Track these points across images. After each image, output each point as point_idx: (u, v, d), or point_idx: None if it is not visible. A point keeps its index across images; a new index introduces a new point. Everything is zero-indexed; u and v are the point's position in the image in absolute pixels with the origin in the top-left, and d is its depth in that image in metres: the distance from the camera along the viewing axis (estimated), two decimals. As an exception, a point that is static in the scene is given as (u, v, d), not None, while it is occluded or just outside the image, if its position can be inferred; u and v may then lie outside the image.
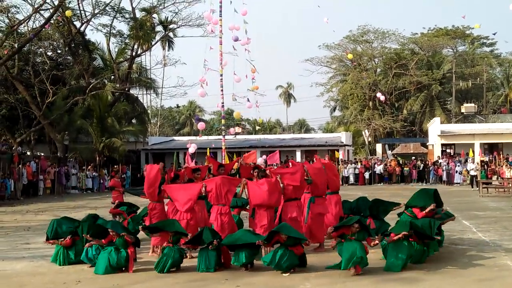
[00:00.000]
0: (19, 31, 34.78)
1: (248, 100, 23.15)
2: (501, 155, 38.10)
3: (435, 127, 47.00)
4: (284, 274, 9.78)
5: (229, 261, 10.42)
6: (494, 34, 36.72)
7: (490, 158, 38.29)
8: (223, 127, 23.94)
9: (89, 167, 35.97)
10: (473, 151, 40.55)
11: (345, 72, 66.11)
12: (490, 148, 43.97)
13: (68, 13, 32.18)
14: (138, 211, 13.94)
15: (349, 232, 10.01)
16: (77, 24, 39.27)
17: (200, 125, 24.02)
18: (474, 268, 10.33)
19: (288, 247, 9.92)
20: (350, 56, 49.11)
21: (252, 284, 9.45)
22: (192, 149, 21.42)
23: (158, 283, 9.61)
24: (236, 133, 45.50)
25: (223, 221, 11.24)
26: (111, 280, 9.77)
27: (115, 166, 35.77)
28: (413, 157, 43.86)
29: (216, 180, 11.63)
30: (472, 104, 56.69)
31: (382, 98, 36.33)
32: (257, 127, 68.58)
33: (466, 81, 60.50)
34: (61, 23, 38.31)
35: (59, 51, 42.08)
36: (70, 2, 35.72)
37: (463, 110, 56.24)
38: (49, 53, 40.60)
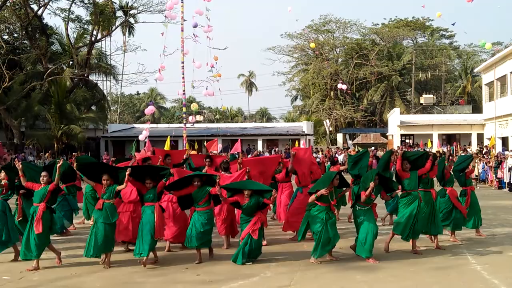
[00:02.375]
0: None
1: (207, 88, 23.08)
2: (459, 146, 38.90)
3: (394, 118, 47.65)
4: (246, 264, 9.89)
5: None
6: (453, 24, 37.17)
7: (448, 149, 39.03)
8: (184, 115, 23.86)
9: (47, 154, 35.35)
10: (432, 142, 41.23)
11: (307, 61, 66.41)
12: (448, 139, 44.88)
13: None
14: None
15: (327, 193, 10.04)
16: (35, 7, 38.48)
17: (148, 110, 23.62)
18: (431, 257, 10.58)
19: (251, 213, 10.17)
20: (313, 45, 49.45)
21: (213, 272, 9.49)
22: (142, 136, 21.29)
23: (117, 272, 9.58)
24: (196, 121, 45.31)
25: (174, 209, 11.06)
26: (69, 270, 9.69)
27: (74, 154, 35.27)
28: (373, 147, 44.46)
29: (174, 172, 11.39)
30: (431, 95, 57.62)
31: (344, 87, 36.65)
32: (218, 116, 68.68)
33: (426, 72, 61.61)
34: (17, 6, 37.47)
35: (15, 35, 41.28)
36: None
37: (422, 101, 57.10)
38: (5, 37, 39.73)
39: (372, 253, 10.00)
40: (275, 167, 12.70)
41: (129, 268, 9.78)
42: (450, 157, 15.02)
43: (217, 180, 9.98)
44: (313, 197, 10.12)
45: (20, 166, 10.09)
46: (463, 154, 27.34)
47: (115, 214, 9.98)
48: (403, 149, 39.26)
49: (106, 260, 9.89)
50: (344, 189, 11.04)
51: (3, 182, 10.50)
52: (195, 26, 21.38)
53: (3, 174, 10.58)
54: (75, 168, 10.50)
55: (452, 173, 12.64)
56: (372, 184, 9.97)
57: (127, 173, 9.71)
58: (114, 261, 10.05)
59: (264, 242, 11.00)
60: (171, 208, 10.99)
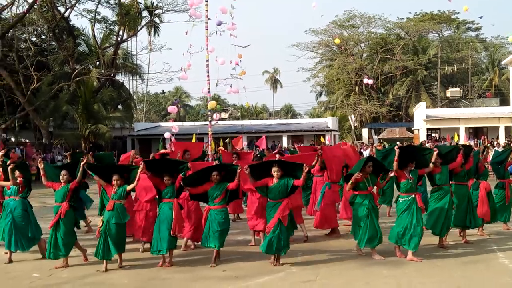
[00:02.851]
0: (2, 16, 34.38)
1: (231, 86, 23.10)
2: (486, 139, 38.42)
3: (420, 112, 47.23)
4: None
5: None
6: (480, 17, 37.10)
7: (475, 142, 38.56)
8: (209, 113, 23.92)
9: (67, 154, 35.65)
10: (458, 136, 40.77)
11: (331, 57, 66.15)
12: (475, 132, 44.35)
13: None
14: None
15: (362, 178, 9.85)
16: (62, 9, 38.92)
17: (171, 109, 23.78)
18: (458, 251, 10.48)
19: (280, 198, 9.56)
20: (337, 41, 49.09)
21: (239, 268, 9.50)
22: (167, 134, 21.40)
23: (143, 268, 9.63)
24: (221, 119, 45.46)
25: (189, 206, 10.87)
26: (96, 267, 9.74)
27: (68, 153, 35.52)
28: (398, 142, 44.01)
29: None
30: (458, 89, 57.05)
31: (370, 81, 36.41)
32: (242, 113, 68.72)
33: (452, 65, 60.89)
34: (45, 9, 37.91)
35: (43, 37, 41.71)
36: (54, -13, 35.35)
37: (448, 95, 56.54)
38: (33, 39, 40.16)
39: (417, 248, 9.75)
40: (312, 163, 11.65)
41: (155, 264, 9.76)
42: (487, 149, 14.81)
43: (238, 170, 9.54)
44: (348, 185, 9.96)
45: (42, 165, 10.11)
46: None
47: (126, 215, 9.80)
48: (429, 143, 38.94)
49: (119, 261, 9.77)
50: (388, 174, 10.53)
51: (18, 180, 10.58)
52: (219, 24, 21.39)
53: (17, 172, 10.62)
54: (83, 169, 9.97)
55: (485, 166, 12.52)
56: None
57: (139, 170, 9.54)
58: (139, 258, 10.11)
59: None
60: (186, 206, 10.71)
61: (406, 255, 9.78)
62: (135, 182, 9.64)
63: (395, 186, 11.52)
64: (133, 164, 11.90)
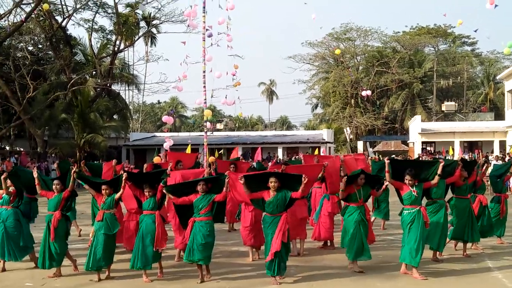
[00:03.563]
0: (0, 25, 34.40)
1: (226, 97, 23.13)
2: (481, 153, 38.50)
3: (415, 125, 47.39)
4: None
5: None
6: (475, 31, 37.20)
7: (470, 156, 38.63)
8: (205, 124, 23.96)
9: (55, 164, 35.55)
10: (453, 149, 40.88)
11: (328, 69, 66.32)
12: (470, 146, 44.48)
13: (45, 6, 31.39)
14: None
15: (354, 190, 9.87)
16: (59, 18, 38.93)
17: (166, 119, 23.77)
18: (452, 264, 10.48)
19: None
20: (338, 51, 49.20)
21: (233, 280, 9.49)
22: (166, 145, 21.40)
23: (136, 278, 9.57)
24: (217, 130, 45.54)
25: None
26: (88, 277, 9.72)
27: (56, 162, 35.47)
28: (393, 155, 44.13)
29: (177, 174, 11.20)
30: (453, 103, 57.26)
31: (368, 93, 36.49)
32: (238, 124, 68.71)
33: (447, 79, 61.13)
34: (42, 18, 37.94)
35: (40, 46, 41.68)
36: (51, -4, 35.41)
37: (443, 108, 56.74)
38: (30, 48, 40.18)
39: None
40: (318, 175, 10.77)
41: (148, 275, 9.61)
42: (486, 164, 14.78)
43: (226, 180, 9.28)
44: (341, 193, 10.01)
45: (36, 174, 10.11)
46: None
47: (116, 225, 9.69)
48: (424, 156, 39.01)
49: (107, 272, 9.71)
50: (382, 184, 10.48)
51: (11, 189, 10.53)
52: (209, 36, 21.45)
53: (9, 181, 10.62)
54: (74, 177, 10.01)
55: (483, 180, 12.54)
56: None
57: (123, 178, 9.50)
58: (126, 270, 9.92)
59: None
60: (177, 218, 10.16)
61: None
62: (121, 190, 9.60)
63: (390, 199, 11.56)
64: (116, 173, 12.00)
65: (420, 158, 39.56)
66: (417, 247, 9.33)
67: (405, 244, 9.53)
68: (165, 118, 23.95)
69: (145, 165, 13.24)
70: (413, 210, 9.50)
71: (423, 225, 9.48)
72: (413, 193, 9.52)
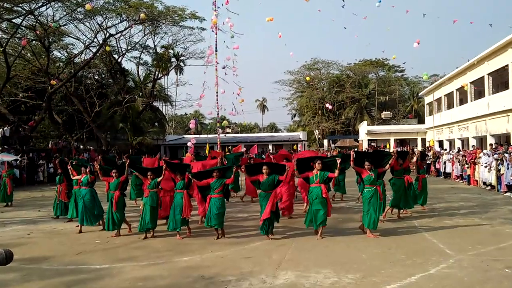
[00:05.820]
0: (75, 61, 34.30)
1: (232, 110, 23.30)
2: (409, 147, 38.61)
3: (363, 128, 47.43)
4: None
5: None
6: (403, 63, 37.59)
7: (402, 149, 38.65)
8: (219, 129, 24.01)
9: (125, 156, 35.51)
10: (389, 144, 40.91)
11: (302, 90, 66.20)
12: (401, 142, 44.54)
13: (107, 48, 31.61)
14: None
15: (312, 174, 9.21)
16: (116, 56, 38.82)
17: (191, 124, 23.91)
18: (389, 226, 10.46)
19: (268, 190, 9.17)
20: (308, 78, 49.36)
21: (240, 236, 9.44)
22: (189, 143, 21.40)
23: (170, 237, 9.52)
24: (227, 133, 45.52)
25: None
26: (138, 236, 9.69)
27: (142, 156, 35.46)
28: (348, 149, 44.13)
29: (199, 164, 11.56)
30: (389, 112, 57.30)
31: (330, 106, 36.53)
32: (241, 128, 68.44)
33: (385, 96, 61.17)
34: (104, 56, 37.83)
35: (103, 75, 41.59)
36: (110, 41, 35.21)
37: (382, 116, 56.74)
38: (96, 77, 40.06)
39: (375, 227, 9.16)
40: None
41: (180, 234, 9.56)
42: (412, 154, 14.82)
43: (234, 169, 9.37)
44: (296, 173, 9.55)
45: (98, 166, 10.21)
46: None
47: (157, 199, 9.67)
48: (369, 149, 39.03)
49: (152, 232, 9.63)
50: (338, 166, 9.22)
51: (89, 177, 10.54)
52: (223, 68, 21.61)
53: (85, 169, 10.70)
54: (127, 167, 10.10)
55: (409, 165, 12.43)
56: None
57: (163, 167, 9.59)
58: (166, 230, 9.83)
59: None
60: (199, 195, 10.06)
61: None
62: (162, 176, 9.62)
63: (346, 180, 11.53)
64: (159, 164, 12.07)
65: (367, 150, 39.69)
66: (375, 216, 9.11)
67: (365, 213, 9.21)
68: (191, 123, 24.17)
69: (184, 157, 13.42)
70: (372, 189, 9.21)
71: (379, 199, 9.21)
72: (371, 176, 9.26)
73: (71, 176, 11.13)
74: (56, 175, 13.87)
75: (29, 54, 32.18)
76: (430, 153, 26.77)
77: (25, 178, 25.63)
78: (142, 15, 28.33)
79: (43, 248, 8.86)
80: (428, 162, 24.57)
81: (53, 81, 27.05)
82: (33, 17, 27.57)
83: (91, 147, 37.16)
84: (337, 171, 9.20)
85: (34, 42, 30.62)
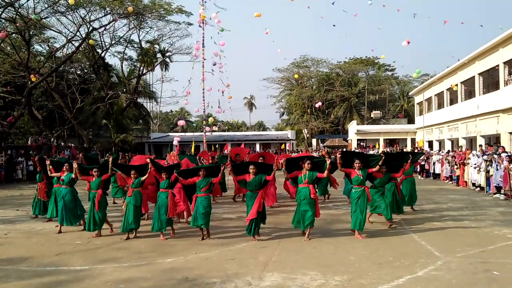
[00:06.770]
0: (56, 55, 33.91)
1: (218, 107, 23.37)
2: (398, 147, 38.94)
3: (353, 127, 47.68)
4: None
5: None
6: (393, 62, 37.85)
7: (391, 149, 38.96)
8: (205, 126, 23.95)
9: (107, 154, 35.23)
10: (379, 144, 41.21)
11: (291, 88, 66.34)
12: (391, 142, 44.88)
13: (91, 42, 31.35)
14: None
15: (301, 173, 9.15)
16: (99, 51, 38.47)
17: (180, 122, 23.98)
18: (378, 228, 10.54)
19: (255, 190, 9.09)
20: (296, 76, 49.51)
21: (225, 237, 9.43)
22: (175, 141, 21.36)
23: (154, 238, 9.49)
24: (213, 131, 45.45)
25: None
26: (120, 236, 9.64)
27: (126, 154, 35.26)
28: (337, 148, 44.33)
29: (187, 161, 11.75)
30: (379, 112, 57.65)
31: (320, 104, 36.72)
32: (228, 127, 68.34)
33: (375, 95, 61.58)
34: (87, 50, 37.48)
35: (85, 70, 41.23)
36: (94, 35, 34.89)
37: (372, 116, 57.11)
38: (78, 72, 39.68)
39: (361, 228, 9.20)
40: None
41: (164, 235, 9.56)
42: (426, 154, 14.95)
43: (222, 168, 9.37)
44: (285, 173, 9.37)
45: (76, 165, 10.02)
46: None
47: (141, 199, 9.65)
48: (359, 149, 39.28)
49: (134, 233, 9.61)
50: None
51: (73, 175, 10.36)
52: (214, 64, 21.64)
53: (68, 167, 10.55)
54: (111, 166, 9.85)
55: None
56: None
57: (149, 166, 9.47)
58: (149, 231, 9.85)
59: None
60: (182, 192, 10.27)
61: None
62: (147, 175, 9.55)
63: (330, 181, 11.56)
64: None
65: (356, 150, 39.93)
66: (362, 217, 9.13)
67: (352, 214, 9.24)
68: (180, 122, 24.12)
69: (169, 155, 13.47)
70: (359, 189, 9.22)
71: (366, 200, 9.24)
72: (359, 176, 9.22)
73: (49, 173, 10.96)
74: (36, 173, 13.70)
75: (8, 48, 31.75)
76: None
77: (3, 176, 25.38)
78: (129, 8, 28.11)
79: (21, 249, 8.76)
80: (422, 163, 24.80)
81: (33, 77, 26.70)
82: (13, 9, 27.20)
83: (72, 144, 36.79)
84: (326, 172, 9.20)
85: (14, 35, 30.19)
